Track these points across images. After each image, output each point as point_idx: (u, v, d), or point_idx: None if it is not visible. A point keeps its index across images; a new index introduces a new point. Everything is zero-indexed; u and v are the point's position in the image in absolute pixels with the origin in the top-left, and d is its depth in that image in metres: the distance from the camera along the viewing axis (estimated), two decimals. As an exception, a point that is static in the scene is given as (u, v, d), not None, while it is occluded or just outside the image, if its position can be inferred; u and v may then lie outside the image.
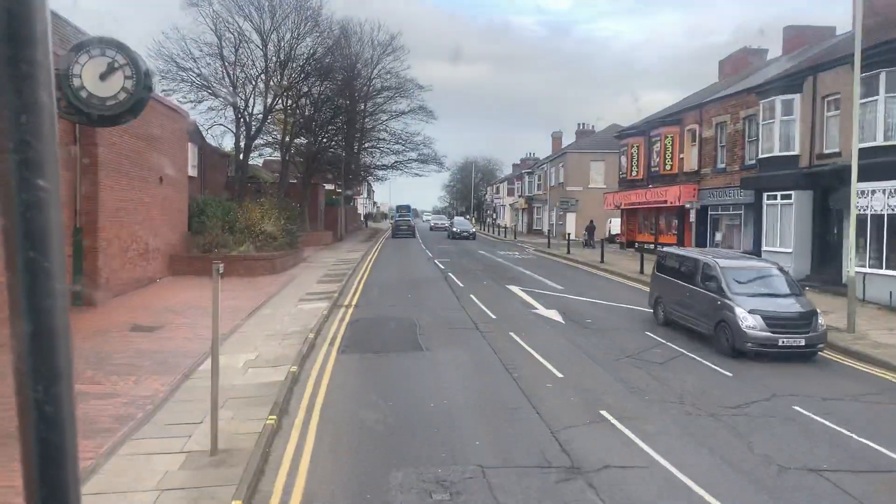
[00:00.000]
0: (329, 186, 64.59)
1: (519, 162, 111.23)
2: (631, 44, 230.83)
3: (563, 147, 70.56)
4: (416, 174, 70.81)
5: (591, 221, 46.54)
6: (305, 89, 46.07)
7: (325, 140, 54.22)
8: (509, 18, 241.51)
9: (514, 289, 23.06)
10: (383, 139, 68.66)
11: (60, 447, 0.94)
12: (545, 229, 61.81)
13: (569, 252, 37.94)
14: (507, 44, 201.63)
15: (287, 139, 46.52)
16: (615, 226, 50.82)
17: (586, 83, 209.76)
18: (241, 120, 41.81)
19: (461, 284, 24.25)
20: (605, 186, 54.14)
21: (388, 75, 65.40)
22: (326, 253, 37.49)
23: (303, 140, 49.81)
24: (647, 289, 19.23)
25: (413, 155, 69.42)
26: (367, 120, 67.78)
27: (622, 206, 40.08)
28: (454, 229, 54.90)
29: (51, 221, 0.92)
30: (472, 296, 21.20)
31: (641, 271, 26.98)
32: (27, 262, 0.90)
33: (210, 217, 27.90)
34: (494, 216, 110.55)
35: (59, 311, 0.93)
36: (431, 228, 69.88)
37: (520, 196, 79.99)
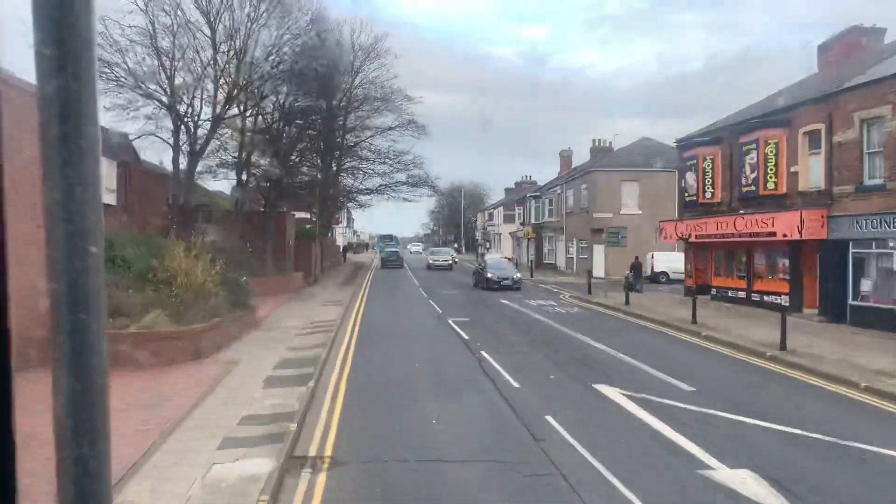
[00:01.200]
0: (302, 215, 54.49)
1: (514, 186, 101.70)
2: (605, 73, 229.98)
3: (575, 167, 60.90)
4: (405, 199, 60.70)
5: (637, 258, 36.55)
6: (269, 93, 35.92)
7: (295, 159, 44.03)
8: (488, 49, 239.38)
9: (618, 398, 12.71)
10: (367, 158, 58.55)
11: (101, 499, 1.00)
12: (559, 263, 51.77)
13: (627, 302, 27.77)
14: (485, 73, 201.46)
15: (244, 156, 36.17)
16: (661, 262, 40.85)
17: (563, 112, 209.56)
18: (183, 129, 31.44)
19: (516, 384, 13.87)
20: (639, 212, 44.33)
21: (371, 85, 55.70)
22: (294, 308, 26.96)
23: (266, 159, 39.42)
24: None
25: (401, 177, 59.44)
26: (347, 136, 57.77)
27: (691, 239, 30.07)
28: (490, 275, 36.01)
29: (98, 284, 0.99)
30: (556, 424, 10.79)
31: (783, 346, 16.83)
32: (76, 323, 0.97)
33: (118, 265, 17.58)
34: (488, 246, 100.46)
35: (102, 370, 1.00)
36: (430, 267, 55.76)
37: (523, 223, 70.01)
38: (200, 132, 32.71)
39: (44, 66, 0.96)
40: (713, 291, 29.58)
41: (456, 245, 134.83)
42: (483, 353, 17.28)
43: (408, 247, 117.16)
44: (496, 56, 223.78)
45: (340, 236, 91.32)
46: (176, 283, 17.71)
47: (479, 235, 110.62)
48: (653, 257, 40.21)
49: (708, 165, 29.18)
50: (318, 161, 53.20)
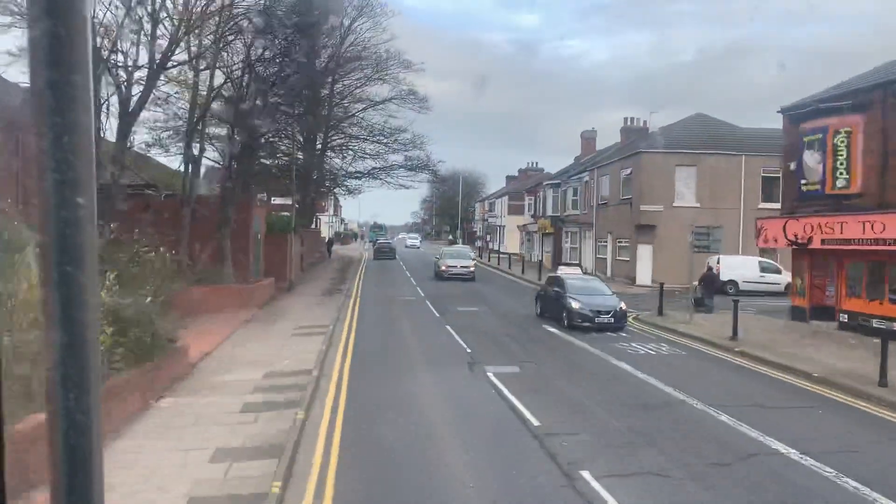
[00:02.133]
0: (285, 201, 45.95)
1: (517, 174, 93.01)
2: (597, 62, 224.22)
3: (604, 150, 52.28)
4: (401, 185, 51.95)
5: (710, 268, 28.13)
6: (230, 37, 27.10)
7: (267, 131, 35.26)
8: (479, 35, 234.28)
9: None
10: (357, 136, 49.69)
11: (89, 454, 0.99)
12: (586, 264, 43.26)
13: (734, 335, 19.25)
14: (476, 61, 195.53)
15: (196, 120, 27.30)
16: (729, 269, 32.47)
17: (555, 101, 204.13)
18: (109, 80, 22.56)
19: None
20: (696, 204, 35.83)
21: (364, 50, 46.80)
22: (251, 339, 18.17)
23: (227, 126, 30.53)
24: None
25: (398, 158, 50.67)
26: (335, 108, 48.90)
27: (812, 244, 21.53)
28: (576, 305, 21.71)
29: (87, 237, 0.97)
30: None
31: None
32: (63, 275, 0.95)
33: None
34: (488, 239, 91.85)
35: (91, 324, 0.98)
36: (443, 276, 37.64)
37: (534, 216, 61.39)
38: (136, 87, 23.89)
39: (33, 9, 0.94)
40: (842, 317, 21.16)
41: (451, 237, 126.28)
42: (585, 473, 8.69)
43: (400, 237, 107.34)
44: (487, 43, 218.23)
45: (326, 226, 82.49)
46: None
47: (478, 228, 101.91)
48: (718, 262, 31.75)
49: (842, 141, 20.66)
50: (300, 136, 44.33)
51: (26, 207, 13.11)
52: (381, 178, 50.06)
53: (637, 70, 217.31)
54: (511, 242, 75.17)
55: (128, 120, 23.29)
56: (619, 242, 38.80)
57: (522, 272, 43.67)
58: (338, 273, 41.26)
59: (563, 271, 27.82)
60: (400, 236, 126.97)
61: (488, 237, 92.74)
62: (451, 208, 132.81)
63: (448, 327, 21.08)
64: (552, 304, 22.87)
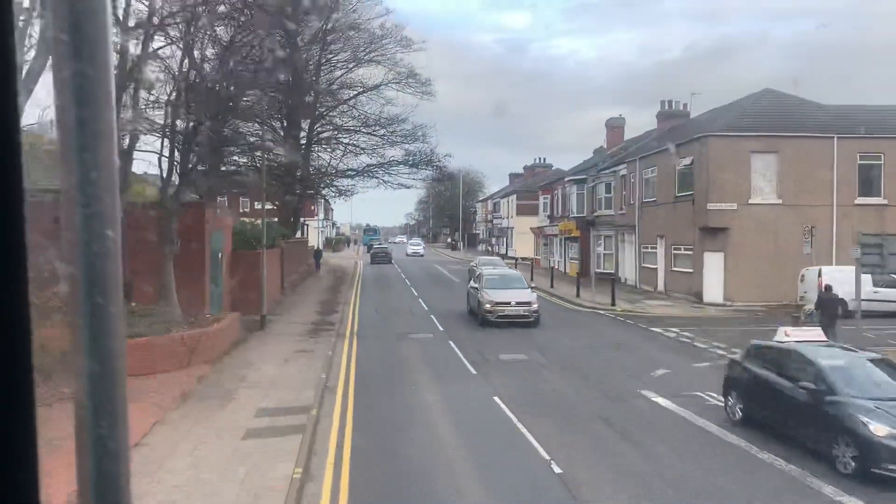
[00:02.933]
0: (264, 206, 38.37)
1: (523, 171, 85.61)
2: (585, 62, 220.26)
3: (635, 138, 44.88)
4: (401, 185, 44.40)
5: (828, 287, 20.74)
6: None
7: (237, 123, 28.08)
8: (467, 36, 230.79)
9: None
10: (349, 129, 42.21)
11: (119, 480, 1.01)
12: (625, 275, 35.95)
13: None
14: (465, 61, 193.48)
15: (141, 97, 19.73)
16: (834, 282, 25.07)
17: (543, 101, 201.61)
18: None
19: None
20: (777, 201, 28.54)
21: (354, 29, 39.35)
22: (169, 451, 10.64)
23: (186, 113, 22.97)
24: None
25: (396, 154, 43.17)
26: (321, 96, 41.45)
27: None
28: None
29: (115, 268, 1.00)
30: None
31: None
32: (94, 306, 0.98)
33: None
34: (494, 242, 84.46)
35: (120, 353, 1.01)
36: (491, 317, 23.21)
37: (551, 216, 54.01)
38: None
39: (60, 51, 0.96)
40: None
41: (450, 240, 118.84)
42: None
43: (397, 241, 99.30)
44: (476, 44, 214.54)
45: (316, 232, 74.97)
46: None
47: (480, 230, 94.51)
48: (819, 275, 24.45)
49: None
50: (278, 127, 36.96)
51: None
52: (377, 177, 42.58)
53: (623, 69, 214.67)
54: (522, 246, 67.70)
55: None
56: (677, 249, 31.42)
57: (551, 285, 36.22)
58: (328, 293, 33.77)
59: (792, 336, 12.32)
60: (397, 240, 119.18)
61: (494, 240, 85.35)
62: (450, 209, 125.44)
63: (499, 402, 13.57)
64: (795, 412, 10.75)
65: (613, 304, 27.71)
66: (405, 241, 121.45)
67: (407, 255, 68.77)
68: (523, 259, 61.34)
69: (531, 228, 59.70)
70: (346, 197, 45.54)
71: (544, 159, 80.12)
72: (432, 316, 25.55)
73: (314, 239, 68.78)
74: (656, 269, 33.61)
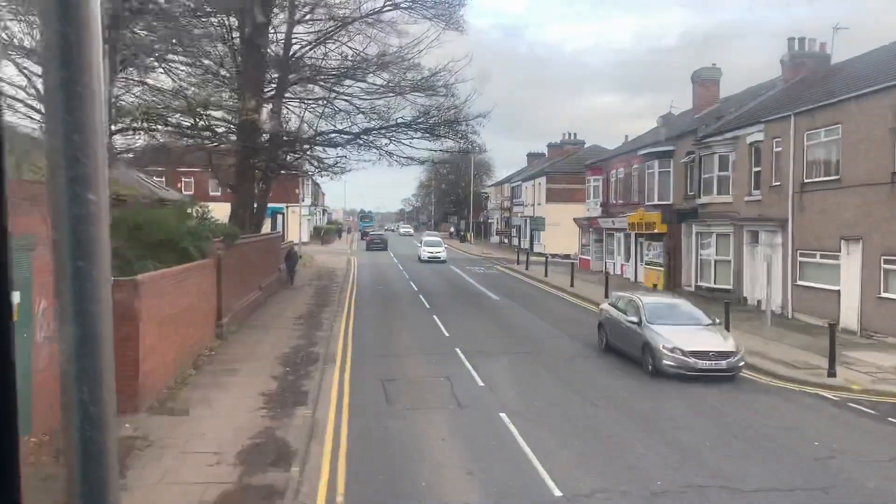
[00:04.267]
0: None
1: (545, 152, 72.43)
2: (581, 48, 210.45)
3: (719, 100, 31.63)
4: (409, 159, 31.01)
5: None
6: None
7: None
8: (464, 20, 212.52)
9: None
10: (333, 72, 28.91)
11: (103, 446, 1.00)
12: (756, 294, 23.20)
13: None
14: (460, 45, 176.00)
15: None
16: None
17: (540, 86, 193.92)
18: None
19: None
20: None
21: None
22: None
23: None
24: None
25: (406, 112, 30.01)
26: (296, 24, 28.32)
27: None
28: None
29: (99, 233, 0.99)
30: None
31: None
32: (77, 270, 0.97)
33: None
34: (510, 233, 71.50)
35: (105, 318, 1.00)
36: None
37: (607, 204, 40.88)
38: None
39: (46, 13, 0.95)
40: None
41: (453, 230, 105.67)
42: None
43: (402, 231, 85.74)
44: (472, 28, 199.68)
45: (300, 220, 61.87)
46: None
47: (495, 219, 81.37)
48: None
49: None
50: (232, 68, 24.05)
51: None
52: (376, 146, 29.37)
53: (619, 55, 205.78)
54: (555, 241, 54.85)
55: None
56: (893, 263, 18.50)
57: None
58: (300, 329, 20.69)
59: None
60: (401, 231, 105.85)
61: (510, 230, 72.33)
62: (454, 193, 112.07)
63: None
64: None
65: (832, 372, 14.68)
66: (406, 230, 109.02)
67: (422, 260, 48.08)
68: (554, 256, 48.52)
69: (575, 220, 46.62)
70: (334, 174, 32.43)
71: (574, 135, 67.00)
72: (493, 395, 12.75)
73: (297, 230, 55.65)
74: (836, 291, 20.65)
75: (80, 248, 0.97)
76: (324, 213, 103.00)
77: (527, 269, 40.69)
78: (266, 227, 34.47)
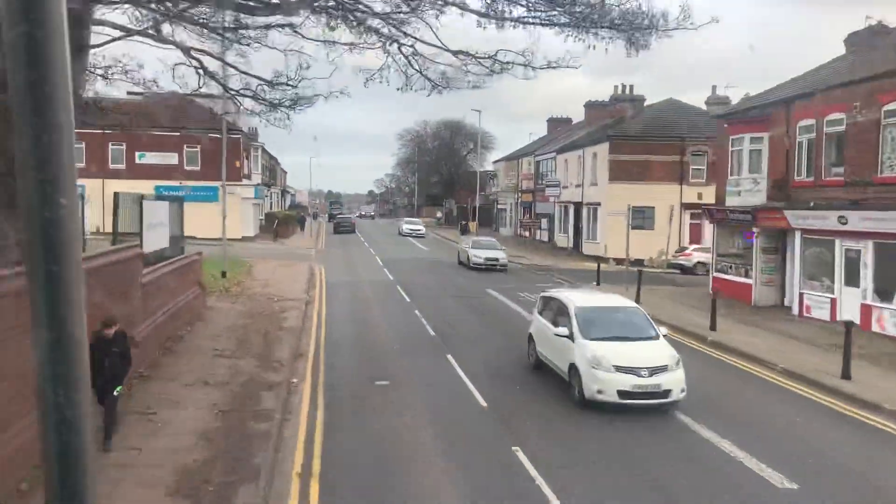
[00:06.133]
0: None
1: (587, 108, 53.93)
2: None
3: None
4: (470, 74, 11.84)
5: None
6: None
7: None
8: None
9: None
10: None
11: (80, 449, 1.01)
12: None
13: None
14: (444, 29, 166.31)
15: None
16: None
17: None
18: None
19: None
20: None
21: None
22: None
23: None
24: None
25: None
26: None
27: None
28: None
29: (70, 236, 0.98)
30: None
31: None
32: (48, 273, 0.96)
33: None
34: (533, 222, 52.86)
35: (77, 320, 0.99)
36: None
37: (779, 181, 22.30)
38: None
39: (10, 13, 0.93)
40: None
41: (440, 216, 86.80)
42: None
43: (404, 225, 63.49)
44: (447, 11, 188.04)
45: (243, 206, 42.33)
46: None
47: (510, 204, 62.20)
48: None
49: None
50: None
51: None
52: (392, 19, 10.52)
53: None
54: (618, 238, 36.60)
55: None
56: None
57: None
58: None
59: None
60: (407, 228, 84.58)
61: (532, 220, 53.63)
62: (442, 170, 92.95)
63: None
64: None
65: None
66: (413, 227, 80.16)
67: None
68: (620, 262, 30.34)
69: (705, 209, 28.04)
70: (286, 110, 13.84)
71: (631, 88, 48.26)
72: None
73: (238, 219, 35.96)
74: None
75: (51, 251, 0.95)
76: (283, 195, 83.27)
77: (638, 299, 21.91)
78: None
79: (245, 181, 46.40)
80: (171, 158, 43.10)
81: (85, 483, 1.01)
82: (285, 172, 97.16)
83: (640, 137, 38.07)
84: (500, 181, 65.84)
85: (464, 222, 62.91)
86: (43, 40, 0.93)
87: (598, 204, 39.49)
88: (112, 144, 41.97)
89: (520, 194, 57.19)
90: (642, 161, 37.51)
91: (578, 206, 43.10)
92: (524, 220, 49.58)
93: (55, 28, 0.94)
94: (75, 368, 1.00)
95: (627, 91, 47.53)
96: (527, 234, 54.38)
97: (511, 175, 60.75)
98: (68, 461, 1.00)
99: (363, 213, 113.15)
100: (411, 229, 56.89)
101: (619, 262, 36.42)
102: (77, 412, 1.00)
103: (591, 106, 52.61)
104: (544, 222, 47.52)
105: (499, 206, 64.21)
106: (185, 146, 43.80)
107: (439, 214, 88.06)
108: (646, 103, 44.82)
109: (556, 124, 62.32)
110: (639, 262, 33.57)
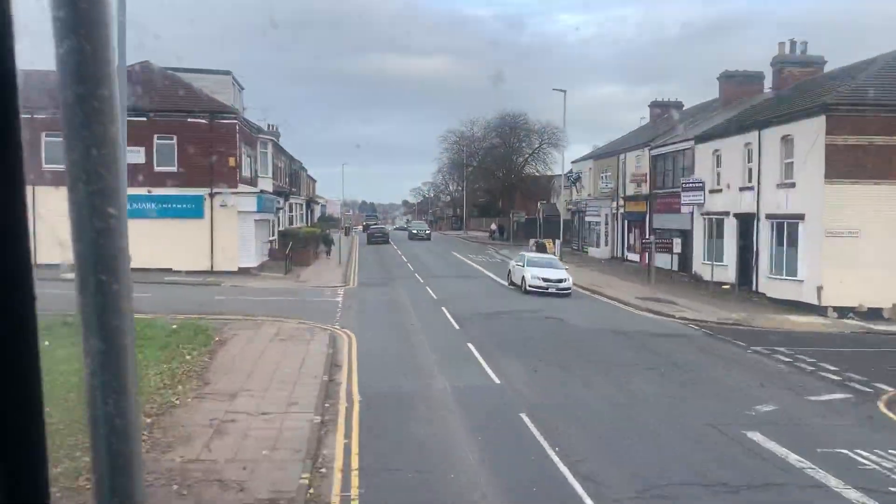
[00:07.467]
0: None
1: (774, 69, 38.27)
2: (584, 38, 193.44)
3: None
4: None
5: None
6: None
7: None
8: (466, 11, 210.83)
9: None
10: None
11: (129, 458, 1.01)
12: None
13: None
14: (464, 36, 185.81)
15: None
16: None
17: (543, 77, 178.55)
18: None
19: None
20: None
21: None
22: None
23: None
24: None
25: None
26: None
27: None
28: None
29: (120, 245, 1.00)
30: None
31: None
32: (99, 284, 0.97)
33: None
34: (664, 243, 37.61)
35: (128, 330, 1.01)
36: None
37: None
38: None
39: (57, 27, 0.95)
40: None
41: (494, 228, 71.69)
42: None
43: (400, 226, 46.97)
44: (472, 18, 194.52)
45: (241, 222, 28.56)
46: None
47: (604, 215, 46.60)
48: None
49: None
50: None
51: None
52: None
53: (621, 46, 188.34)
54: (841, 272, 21.70)
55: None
56: None
57: None
58: None
59: None
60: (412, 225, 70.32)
61: (674, 245, 38.25)
62: (484, 177, 77.52)
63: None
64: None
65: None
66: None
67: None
68: (851, 311, 15.57)
69: None
70: None
71: (805, 45, 32.89)
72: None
73: (231, 240, 20.47)
74: None
75: (101, 262, 0.97)
76: (309, 206, 69.08)
77: None
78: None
79: (244, 187, 32.20)
80: (134, 155, 29.01)
81: (135, 490, 1.01)
82: (314, 181, 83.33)
83: (886, 105, 22.83)
84: (577, 189, 50.80)
85: (539, 240, 47.89)
86: (91, 55, 0.92)
87: (800, 217, 24.28)
88: (46, 136, 27.81)
89: (623, 202, 42.01)
90: (890, 147, 22.32)
91: (748, 220, 27.92)
92: (646, 240, 34.67)
93: (102, 42, 0.93)
94: (125, 378, 0.99)
95: (799, 48, 32.30)
96: (636, 258, 39.26)
97: (606, 176, 45.63)
98: (119, 468, 0.99)
99: (410, 227, 76.60)
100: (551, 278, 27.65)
101: (842, 313, 21.93)
102: (127, 420, 0.99)
103: (729, 77, 37.49)
104: (677, 243, 32.53)
105: (586, 218, 48.97)
106: (154, 136, 29.80)
107: (493, 227, 73.11)
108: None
109: (658, 108, 47.28)
110: (875, 314, 20.34)
